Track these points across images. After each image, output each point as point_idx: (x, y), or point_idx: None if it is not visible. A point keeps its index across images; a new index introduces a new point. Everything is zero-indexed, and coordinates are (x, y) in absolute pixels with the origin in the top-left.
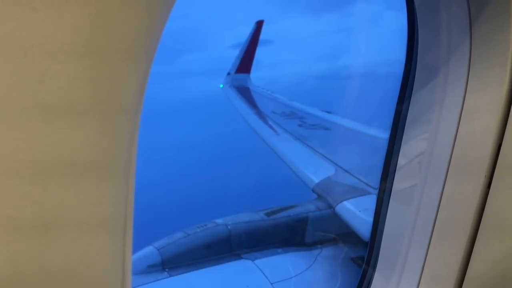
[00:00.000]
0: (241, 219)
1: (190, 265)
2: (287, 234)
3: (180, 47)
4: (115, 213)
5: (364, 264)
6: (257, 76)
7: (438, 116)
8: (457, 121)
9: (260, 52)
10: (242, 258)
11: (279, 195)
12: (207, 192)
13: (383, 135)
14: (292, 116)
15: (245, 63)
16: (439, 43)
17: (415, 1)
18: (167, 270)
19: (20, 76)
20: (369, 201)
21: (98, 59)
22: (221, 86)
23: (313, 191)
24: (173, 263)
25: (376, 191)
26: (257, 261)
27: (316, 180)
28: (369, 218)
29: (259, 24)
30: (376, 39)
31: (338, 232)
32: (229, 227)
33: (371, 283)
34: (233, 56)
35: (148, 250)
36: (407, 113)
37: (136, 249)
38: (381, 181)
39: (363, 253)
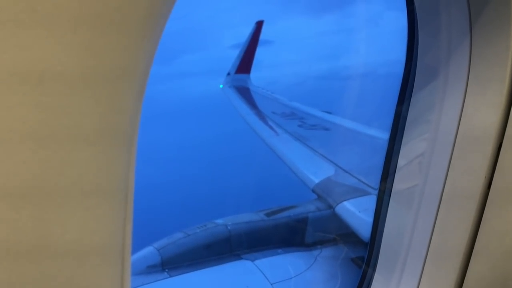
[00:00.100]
0: (241, 219)
1: (190, 266)
2: (287, 235)
3: (180, 47)
4: (115, 212)
5: (364, 265)
6: (257, 76)
7: (438, 116)
8: (457, 121)
9: (260, 52)
10: (242, 258)
11: (279, 196)
12: (207, 192)
13: (383, 135)
14: (292, 117)
15: (245, 63)
16: (439, 44)
17: (415, 2)
18: (167, 270)
19: (19, 77)
20: (369, 202)
21: (98, 59)
22: (221, 86)
23: (313, 191)
24: (173, 263)
25: (376, 192)
26: (257, 262)
27: (316, 181)
28: (369, 219)
29: (259, 25)
30: (376, 40)
31: (338, 233)
32: (229, 227)
33: (371, 283)
34: (233, 56)
35: (148, 250)
36: (407, 113)
37: (136, 249)
38: (381, 182)
39: (363, 253)
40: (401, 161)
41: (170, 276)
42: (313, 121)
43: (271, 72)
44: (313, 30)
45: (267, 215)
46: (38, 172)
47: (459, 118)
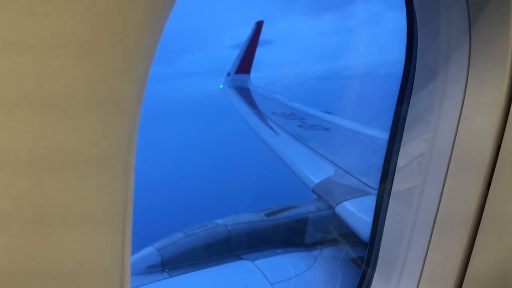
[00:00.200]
0: (241, 219)
1: (190, 266)
2: (287, 235)
3: (180, 47)
4: (115, 213)
5: (364, 265)
6: (258, 77)
7: (437, 117)
8: (457, 122)
9: (260, 53)
10: (242, 258)
11: (279, 196)
12: (207, 192)
13: (383, 135)
14: (292, 117)
15: (245, 63)
16: (439, 44)
17: (415, 2)
18: (167, 270)
19: (19, 77)
20: (369, 202)
21: (98, 59)
22: (221, 86)
23: (313, 191)
24: (173, 263)
25: (376, 192)
26: (257, 262)
27: (316, 181)
28: (369, 219)
29: (259, 25)
30: (376, 40)
31: (338, 233)
32: (229, 227)
33: (371, 283)
34: (233, 56)
35: (148, 250)
36: (406, 114)
37: (136, 249)
38: (380, 182)
39: (363, 253)
40: (401, 161)
41: (170, 276)
42: (313, 121)
43: (271, 72)
44: (313, 30)
45: (267, 215)
46: (39, 173)
47: (458, 118)
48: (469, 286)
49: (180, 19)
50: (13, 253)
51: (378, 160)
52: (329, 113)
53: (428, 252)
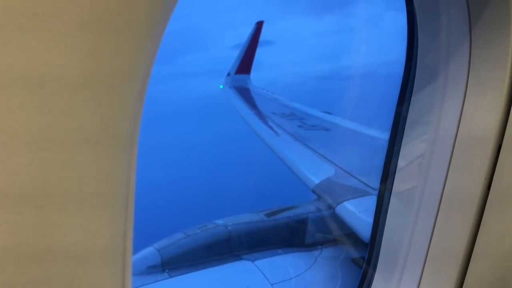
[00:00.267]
0: (241, 220)
1: (190, 266)
2: (287, 235)
3: (181, 47)
4: (116, 214)
5: (364, 265)
6: (258, 77)
7: (438, 117)
8: (457, 122)
9: (260, 53)
10: (242, 259)
11: (279, 196)
12: (207, 192)
13: (383, 136)
14: (292, 117)
15: (245, 63)
16: (439, 45)
17: (415, 2)
18: (167, 271)
19: (20, 80)
20: (369, 202)
21: (99, 60)
22: (221, 86)
23: (313, 192)
24: (173, 264)
25: (376, 192)
26: (257, 262)
27: (316, 181)
28: (369, 219)
29: (259, 25)
30: (376, 40)
31: (338, 233)
32: (229, 228)
33: (371, 284)
34: (233, 56)
35: (148, 251)
36: (407, 114)
37: (136, 250)
38: (381, 182)
39: (364, 254)
40: (401, 162)
41: (170, 277)
42: (313, 122)
43: (272, 73)
44: (313, 31)
45: (267, 215)
46: (39, 174)
47: (459, 119)
48: (469, 286)
49: (181, 19)
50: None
51: (378, 160)
52: (329, 113)
53: (429, 253)
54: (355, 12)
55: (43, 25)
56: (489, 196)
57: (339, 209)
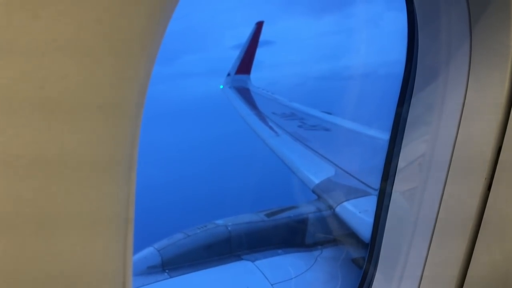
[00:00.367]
0: (241, 220)
1: (190, 266)
2: (287, 235)
3: (181, 47)
4: (116, 214)
5: (364, 265)
6: (258, 77)
7: (438, 118)
8: (458, 123)
9: (261, 53)
10: (242, 259)
11: (279, 196)
12: (207, 192)
13: (383, 136)
14: (292, 117)
15: (245, 64)
16: (439, 45)
17: (415, 3)
18: (167, 271)
19: (22, 80)
20: (370, 202)
21: (100, 61)
22: (221, 87)
23: (313, 192)
24: (173, 264)
25: (376, 192)
26: (257, 262)
27: (316, 181)
28: (370, 219)
29: (259, 25)
30: (376, 40)
31: (339, 233)
32: (229, 228)
33: (372, 284)
34: (233, 57)
35: (148, 251)
36: (407, 115)
37: (136, 250)
38: (381, 182)
39: (364, 254)
40: (402, 162)
41: (171, 277)
42: (313, 122)
43: (272, 73)
44: (313, 31)
45: (268, 215)
46: (40, 175)
47: (459, 119)
48: (470, 286)
49: (181, 19)
50: (15, 256)
51: (379, 160)
52: (329, 113)
53: (429, 253)
54: (355, 12)
55: (43, 26)
56: (489, 197)
57: (339, 209)
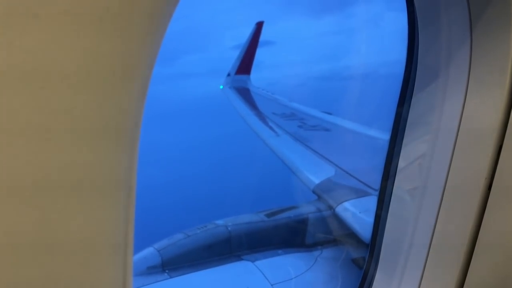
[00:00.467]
0: (241, 220)
1: (191, 266)
2: (287, 235)
3: (181, 48)
4: (116, 214)
5: (365, 265)
6: (258, 77)
7: (438, 118)
8: (458, 123)
9: (261, 53)
10: (242, 259)
11: (279, 196)
12: (207, 193)
13: (384, 136)
14: (292, 117)
15: (245, 64)
16: (440, 45)
17: (415, 3)
18: (167, 271)
19: (23, 79)
20: (370, 202)
21: (101, 60)
22: (221, 87)
23: (313, 192)
24: (173, 264)
25: (377, 193)
26: (257, 262)
27: (316, 181)
28: (370, 219)
29: (259, 25)
30: (376, 40)
31: (339, 233)
32: (229, 228)
33: (372, 284)
34: (234, 57)
35: (148, 251)
36: (407, 115)
37: (136, 250)
38: (381, 183)
39: (364, 254)
40: (402, 162)
41: (171, 277)
42: (313, 122)
43: (272, 73)
44: (313, 31)
45: (268, 216)
46: (41, 173)
47: (459, 119)
48: (470, 286)
49: (181, 20)
50: (16, 256)
51: (379, 160)
52: (329, 113)
53: (430, 253)
54: (356, 12)
55: (44, 25)
56: (490, 196)
57: (339, 210)
